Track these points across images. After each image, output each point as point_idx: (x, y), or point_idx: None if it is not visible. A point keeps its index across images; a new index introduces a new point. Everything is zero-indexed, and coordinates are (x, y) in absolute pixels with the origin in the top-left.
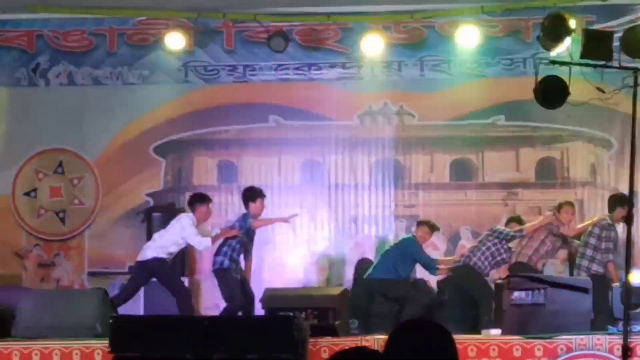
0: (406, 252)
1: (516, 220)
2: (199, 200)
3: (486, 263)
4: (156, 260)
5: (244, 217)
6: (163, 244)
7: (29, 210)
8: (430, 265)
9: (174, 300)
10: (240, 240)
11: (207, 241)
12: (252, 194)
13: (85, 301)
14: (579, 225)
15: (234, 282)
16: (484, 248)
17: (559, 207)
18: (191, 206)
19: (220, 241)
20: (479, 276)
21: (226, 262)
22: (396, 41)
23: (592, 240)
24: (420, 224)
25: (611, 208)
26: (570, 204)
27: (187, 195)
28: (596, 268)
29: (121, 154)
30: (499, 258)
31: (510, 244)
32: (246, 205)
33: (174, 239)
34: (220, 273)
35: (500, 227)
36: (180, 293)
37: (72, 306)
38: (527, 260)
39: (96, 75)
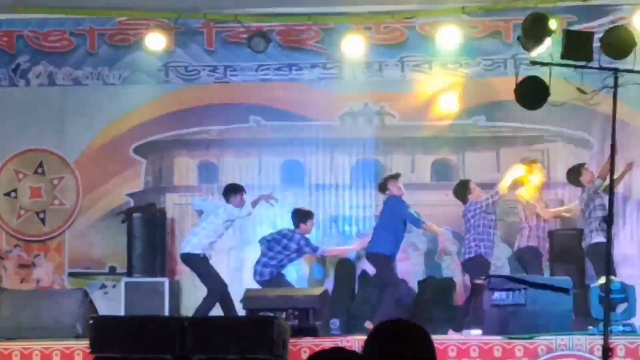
0: (394, 212)
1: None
2: (232, 190)
3: None
4: (189, 256)
5: (305, 239)
6: (199, 240)
7: (9, 211)
8: (416, 219)
9: (154, 300)
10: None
11: (248, 207)
12: (304, 215)
13: (66, 302)
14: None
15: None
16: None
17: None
18: (226, 197)
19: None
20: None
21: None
22: (377, 42)
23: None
24: (390, 178)
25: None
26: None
27: (168, 196)
28: None
29: (101, 154)
30: None
31: None
32: (296, 226)
33: (214, 228)
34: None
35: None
36: (210, 289)
37: (52, 307)
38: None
39: (76, 76)
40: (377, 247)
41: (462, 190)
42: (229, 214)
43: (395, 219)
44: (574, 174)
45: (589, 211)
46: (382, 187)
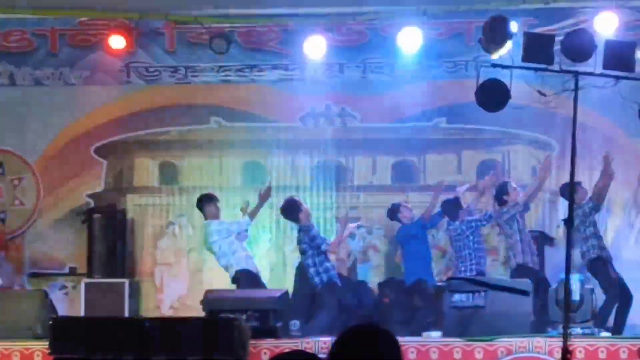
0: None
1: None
2: (207, 200)
3: None
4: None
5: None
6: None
7: None
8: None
9: (114, 301)
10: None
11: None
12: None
13: (25, 302)
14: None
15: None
16: None
17: None
18: (200, 206)
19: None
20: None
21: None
22: (338, 43)
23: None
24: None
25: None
26: None
27: (128, 197)
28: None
29: (62, 154)
30: None
31: None
32: (295, 219)
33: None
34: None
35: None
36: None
37: (11, 307)
38: None
39: (37, 76)
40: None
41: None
42: (240, 225)
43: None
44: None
45: (583, 229)
46: (392, 214)
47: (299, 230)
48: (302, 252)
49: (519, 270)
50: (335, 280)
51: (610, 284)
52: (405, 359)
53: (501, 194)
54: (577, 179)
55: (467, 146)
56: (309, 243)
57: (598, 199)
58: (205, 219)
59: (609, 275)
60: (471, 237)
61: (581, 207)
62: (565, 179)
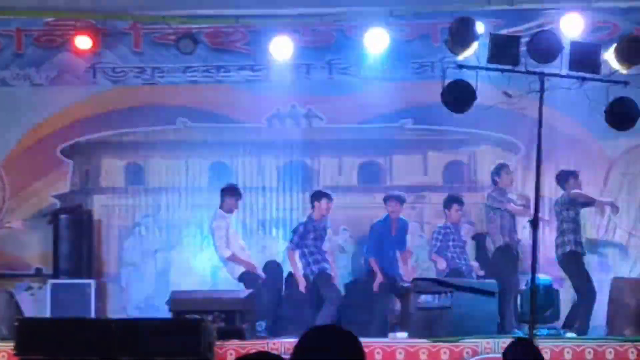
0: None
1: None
2: (229, 192)
3: None
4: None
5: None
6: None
7: None
8: None
9: (80, 301)
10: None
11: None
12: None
13: None
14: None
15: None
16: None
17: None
18: (221, 194)
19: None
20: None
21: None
22: (305, 44)
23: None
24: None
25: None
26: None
27: (95, 197)
28: None
29: (28, 155)
30: None
31: None
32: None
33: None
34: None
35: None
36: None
37: None
38: None
39: (3, 76)
40: None
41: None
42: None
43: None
44: (563, 179)
45: (560, 222)
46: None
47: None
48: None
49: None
50: (328, 271)
51: (582, 280)
52: None
53: (495, 175)
54: (542, 180)
55: (433, 147)
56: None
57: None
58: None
59: (581, 272)
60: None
61: (561, 200)
62: (531, 179)
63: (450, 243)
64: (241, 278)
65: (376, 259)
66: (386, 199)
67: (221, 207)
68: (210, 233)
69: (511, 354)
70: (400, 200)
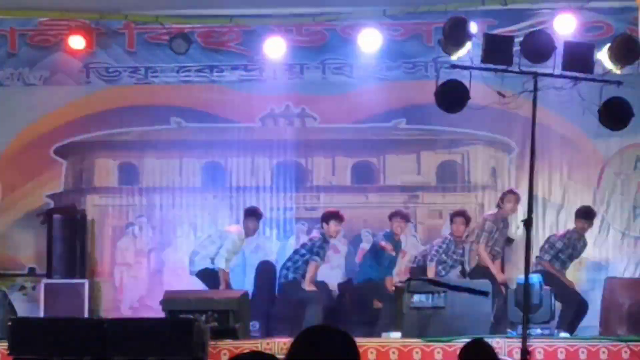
0: None
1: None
2: (248, 214)
3: None
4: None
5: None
6: None
7: None
8: None
9: (73, 301)
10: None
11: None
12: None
13: None
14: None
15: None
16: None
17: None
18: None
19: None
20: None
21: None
22: (298, 44)
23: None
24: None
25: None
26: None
27: (88, 197)
28: None
29: (22, 155)
30: None
31: None
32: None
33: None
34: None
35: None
36: None
37: None
38: None
39: None
40: None
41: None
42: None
43: None
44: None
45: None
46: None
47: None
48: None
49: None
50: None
51: (561, 289)
52: None
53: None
54: (535, 180)
55: (426, 147)
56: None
57: None
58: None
59: (557, 282)
60: None
61: None
62: (524, 178)
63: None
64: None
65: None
66: (392, 216)
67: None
68: (222, 243)
69: (466, 355)
70: (407, 219)
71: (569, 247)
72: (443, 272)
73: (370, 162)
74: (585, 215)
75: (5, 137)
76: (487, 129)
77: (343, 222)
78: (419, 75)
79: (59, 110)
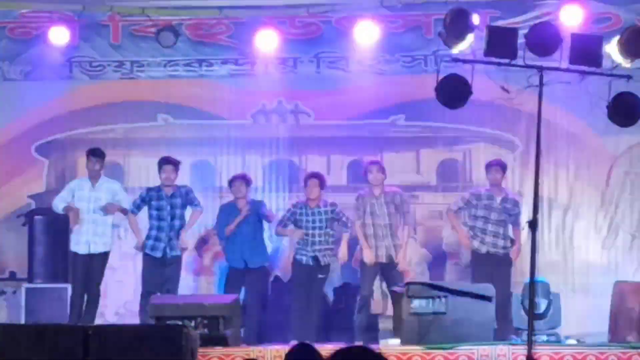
0: None
1: None
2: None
3: None
4: None
5: None
6: None
7: None
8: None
9: (56, 306)
10: None
11: None
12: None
13: None
14: None
15: None
16: None
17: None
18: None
19: None
20: None
21: None
22: (291, 36)
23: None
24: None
25: None
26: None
27: None
28: None
29: (1, 154)
30: None
31: None
32: None
33: None
34: None
35: None
36: None
37: None
38: None
39: None
40: None
41: None
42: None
43: None
44: None
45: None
46: None
47: None
48: None
49: None
50: None
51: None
52: None
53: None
54: (540, 179)
55: (426, 145)
56: None
57: None
58: None
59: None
60: None
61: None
62: (529, 178)
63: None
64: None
65: None
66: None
67: None
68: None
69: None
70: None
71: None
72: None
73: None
74: None
75: None
76: (490, 125)
77: None
78: (418, 69)
79: (40, 106)
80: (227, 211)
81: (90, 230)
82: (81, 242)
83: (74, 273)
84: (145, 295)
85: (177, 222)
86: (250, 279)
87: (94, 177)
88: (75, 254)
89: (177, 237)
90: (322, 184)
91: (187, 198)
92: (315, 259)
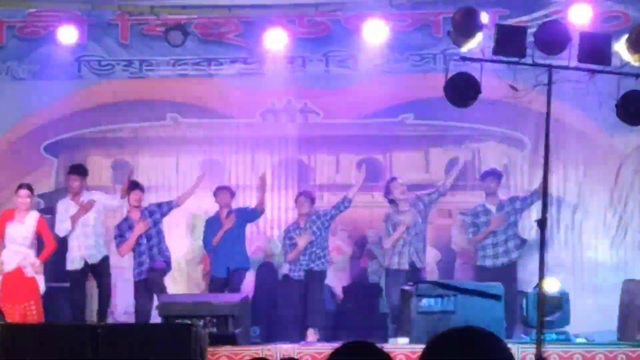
0: None
1: None
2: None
3: None
4: None
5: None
6: None
7: None
8: None
9: (66, 305)
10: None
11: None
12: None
13: None
14: None
15: None
16: None
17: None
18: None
19: None
20: None
21: None
22: (300, 35)
23: None
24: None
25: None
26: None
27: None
28: None
29: (11, 153)
30: None
31: None
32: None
33: None
34: None
35: None
36: None
37: None
38: None
39: None
40: None
41: None
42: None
43: None
44: None
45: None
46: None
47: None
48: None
49: None
50: None
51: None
52: None
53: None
54: (549, 178)
55: (435, 143)
56: None
57: None
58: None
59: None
60: None
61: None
62: (538, 177)
63: None
64: None
65: None
66: None
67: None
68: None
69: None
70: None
71: None
72: None
73: (376, 160)
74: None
75: None
76: (499, 124)
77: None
78: (427, 68)
79: (49, 105)
80: (212, 224)
81: (82, 245)
82: (75, 259)
83: (72, 291)
84: (139, 298)
85: (154, 240)
86: (231, 282)
87: (76, 194)
88: (72, 271)
89: (159, 252)
90: (312, 200)
91: (160, 212)
92: (309, 271)
